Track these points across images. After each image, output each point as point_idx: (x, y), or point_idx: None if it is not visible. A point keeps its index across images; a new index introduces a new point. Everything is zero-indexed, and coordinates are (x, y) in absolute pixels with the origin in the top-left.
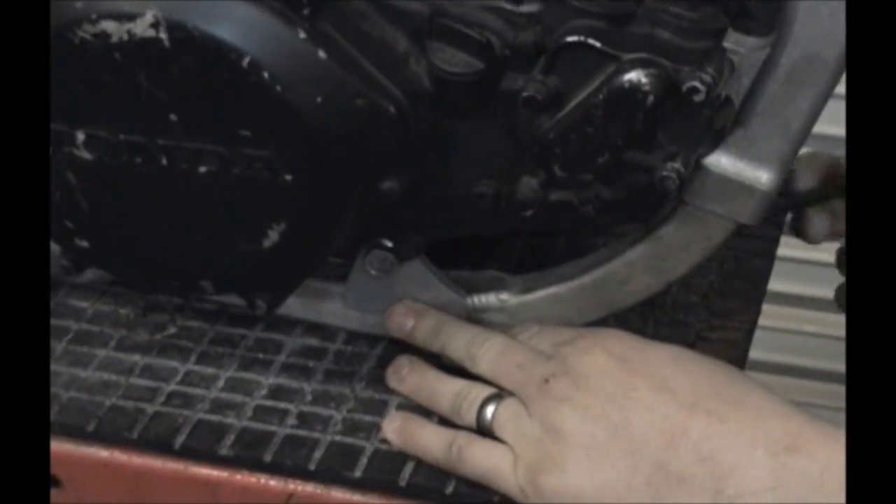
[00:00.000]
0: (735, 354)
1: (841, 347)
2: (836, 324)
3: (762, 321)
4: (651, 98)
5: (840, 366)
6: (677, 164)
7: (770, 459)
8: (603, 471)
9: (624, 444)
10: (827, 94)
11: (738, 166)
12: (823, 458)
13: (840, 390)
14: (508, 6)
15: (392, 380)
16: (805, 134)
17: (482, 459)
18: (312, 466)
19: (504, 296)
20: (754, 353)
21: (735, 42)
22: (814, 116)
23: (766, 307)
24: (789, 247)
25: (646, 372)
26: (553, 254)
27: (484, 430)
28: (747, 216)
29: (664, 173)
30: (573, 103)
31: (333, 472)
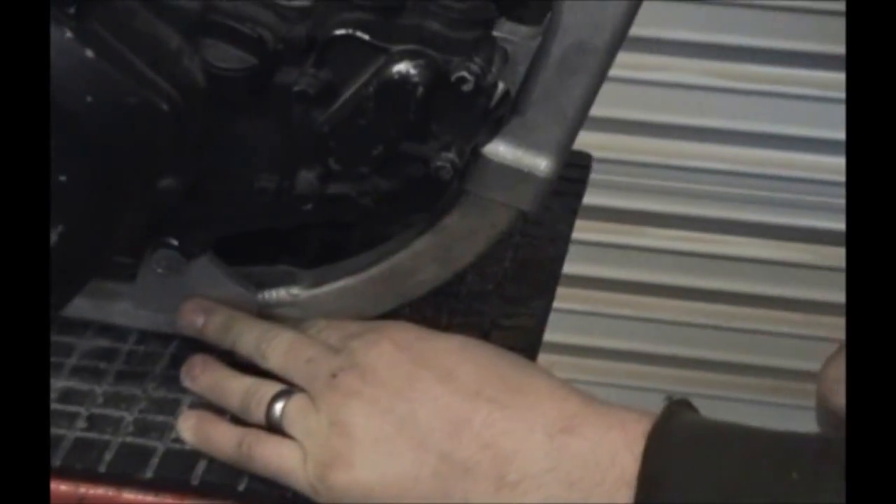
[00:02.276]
0: (529, 340)
1: (636, 326)
2: (630, 304)
3: (559, 303)
4: (420, 89)
5: (634, 344)
6: (452, 154)
7: (547, 442)
8: (390, 464)
9: (410, 437)
10: (599, 81)
11: (517, 154)
12: (594, 437)
13: (634, 368)
14: (280, 1)
15: (185, 379)
16: (580, 120)
17: (271, 457)
18: (103, 469)
19: (295, 290)
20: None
21: (508, 31)
22: (588, 103)
23: (563, 290)
24: (583, 231)
25: (431, 363)
26: (346, 246)
27: (273, 427)
28: (528, 203)
29: (439, 163)
30: (345, 96)
31: (125, 473)
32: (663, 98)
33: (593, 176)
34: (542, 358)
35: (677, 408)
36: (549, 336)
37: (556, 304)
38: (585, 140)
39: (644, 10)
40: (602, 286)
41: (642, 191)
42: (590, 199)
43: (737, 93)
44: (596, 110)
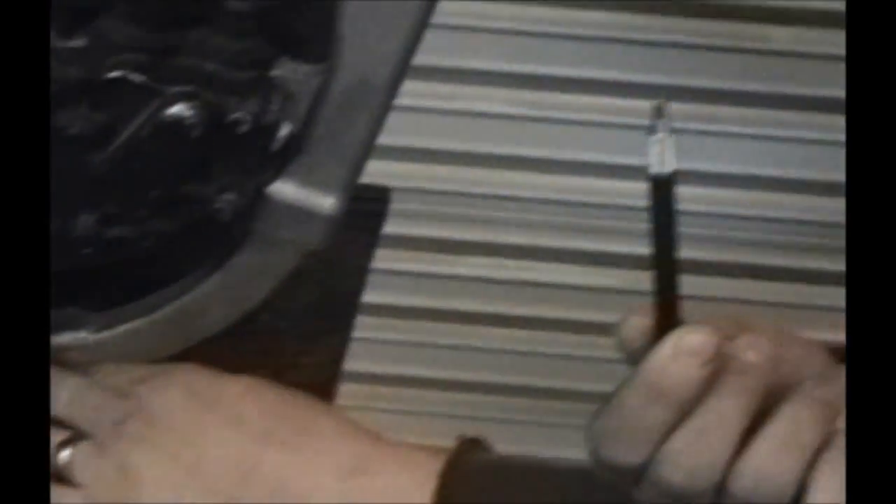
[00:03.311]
0: (325, 377)
1: (452, 354)
2: (446, 332)
3: (374, 334)
4: (196, 131)
5: (449, 372)
6: (232, 195)
7: (338, 484)
8: None
9: (198, 484)
10: (382, 117)
11: (302, 193)
12: (386, 477)
13: (450, 397)
14: (54, 42)
15: None
16: (365, 157)
17: None
18: None
19: (83, 334)
20: (366, 367)
21: (290, 70)
22: (371, 139)
23: (376, 320)
24: (395, 261)
25: (219, 406)
26: (135, 288)
27: (60, 476)
28: (315, 241)
29: (218, 205)
30: (121, 139)
31: None
32: (471, 127)
33: (405, 206)
34: (356, 389)
35: (469, 446)
36: (363, 367)
37: (370, 335)
38: (396, 170)
39: (450, 39)
40: (417, 315)
41: (455, 220)
42: (403, 229)
43: (543, 121)
44: (406, 141)
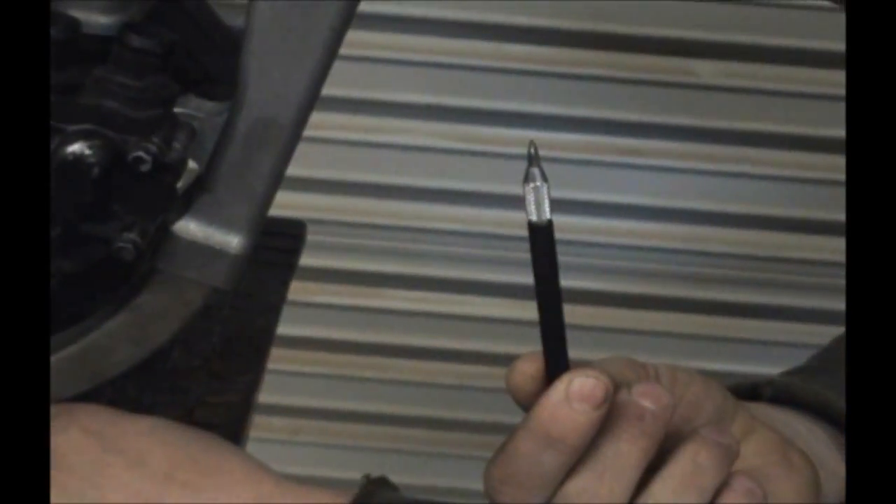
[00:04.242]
0: (236, 416)
1: (377, 388)
2: (370, 365)
3: (299, 367)
4: (96, 169)
5: (374, 405)
6: (133, 235)
7: None
8: None
9: None
10: (287, 156)
11: (208, 232)
12: None
13: (377, 430)
14: None
15: None
16: (271, 196)
17: None
18: None
19: None
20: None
21: (194, 107)
22: (277, 179)
23: (301, 353)
24: (320, 294)
25: (121, 447)
26: None
27: None
28: (221, 280)
29: (120, 244)
30: None
31: None
32: (397, 160)
33: (331, 239)
34: (284, 422)
35: (374, 487)
36: (289, 400)
37: (296, 368)
38: (318, 203)
39: (373, 72)
40: (342, 348)
41: (379, 252)
42: (328, 262)
43: (465, 154)
44: (328, 173)
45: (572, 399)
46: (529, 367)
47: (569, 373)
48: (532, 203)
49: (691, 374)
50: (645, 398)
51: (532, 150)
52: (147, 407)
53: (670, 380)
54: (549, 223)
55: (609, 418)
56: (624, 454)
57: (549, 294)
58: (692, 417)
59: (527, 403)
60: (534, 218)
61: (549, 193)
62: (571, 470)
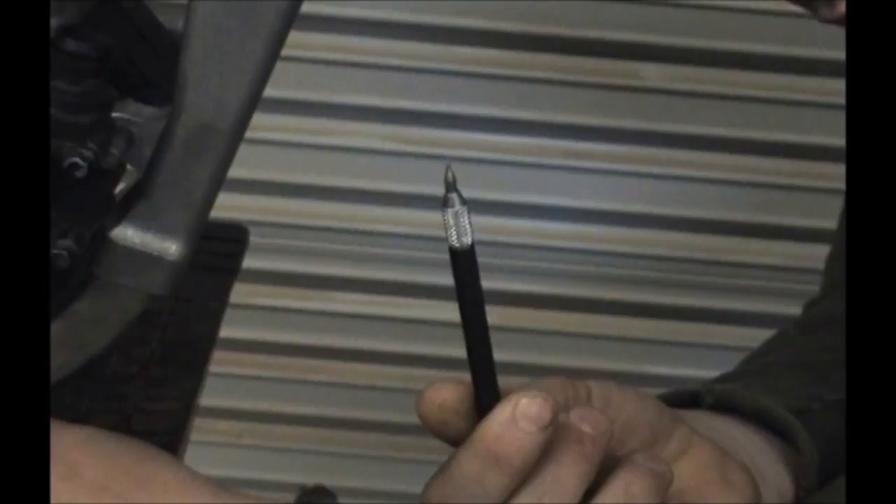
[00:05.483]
0: (173, 424)
1: (327, 392)
2: (319, 369)
3: (249, 370)
4: None
5: (323, 408)
6: (69, 241)
7: None
8: None
9: None
10: (227, 162)
11: (146, 238)
12: None
13: (327, 434)
14: None
15: None
16: (210, 203)
17: None
18: None
19: None
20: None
21: (133, 112)
22: (216, 184)
23: (250, 357)
24: (269, 297)
25: (55, 458)
26: None
27: None
28: (159, 287)
29: (55, 251)
30: None
31: None
32: (342, 162)
33: (275, 241)
34: (227, 426)
35: (309, 497)
36: (233, 403)
37: (240, 371)
38: (261, 205)
39: (318, 74)
40: (287, 352)
41: (324, 255)
42: (273, 264)
43: (410, 156)
44: (272, 175)
45: (519, 420)
46: (438, 396)
47: (515, 394)
48: (452, 228)
49: (625, 393)
50: (584, 422)
51: (450, 176)
52: (84, 414)
53: (604, 401)
54: (471, 247)
55: (549, 440)
56: (563, 478)
57: (474, 318)
58: (626, 439)
59: (439, 432)
60: (455, 244)
61: (469, 218)
62: (511, 493)
